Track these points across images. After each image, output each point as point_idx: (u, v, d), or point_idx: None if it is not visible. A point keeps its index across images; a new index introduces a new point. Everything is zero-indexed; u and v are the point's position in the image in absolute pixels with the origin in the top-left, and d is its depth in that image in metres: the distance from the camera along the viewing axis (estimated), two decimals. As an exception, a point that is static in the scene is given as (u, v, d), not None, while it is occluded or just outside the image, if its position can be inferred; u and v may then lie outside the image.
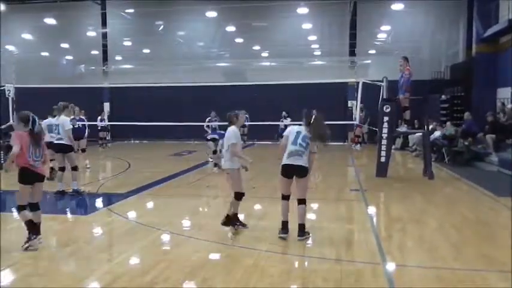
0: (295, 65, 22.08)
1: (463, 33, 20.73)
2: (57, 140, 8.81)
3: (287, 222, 5.78)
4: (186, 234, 6.18)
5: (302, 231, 5.70)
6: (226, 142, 6.08)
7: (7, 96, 12.90)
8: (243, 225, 6.28)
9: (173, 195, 9.21)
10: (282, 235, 5.71)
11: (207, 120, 12.67)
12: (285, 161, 5.69)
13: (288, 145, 5.70)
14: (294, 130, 5.78)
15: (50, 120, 9.41)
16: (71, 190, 8.96)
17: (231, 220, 6.09)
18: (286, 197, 5.84)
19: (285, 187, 5.81)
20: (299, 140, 5.64)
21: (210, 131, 12.50)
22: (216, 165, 12.04)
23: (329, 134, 5.71)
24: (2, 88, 13.06)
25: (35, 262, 5.02)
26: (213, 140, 12.32)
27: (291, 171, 5.68)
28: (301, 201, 5.72)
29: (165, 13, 23.10)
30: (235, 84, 18.73)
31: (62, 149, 8.81)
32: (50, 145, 8.39)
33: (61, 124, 8.72)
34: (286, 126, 14.38)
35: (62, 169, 8.87)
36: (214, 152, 12.26)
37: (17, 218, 7.27)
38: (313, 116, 5.75)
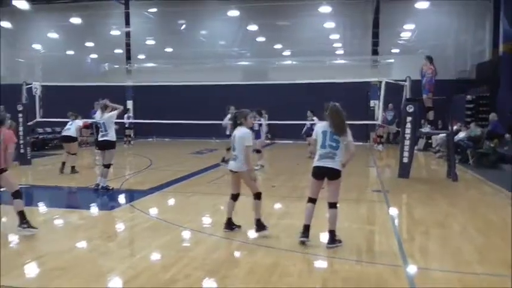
0: (317, 63, 21.96)
1: (489, 32, 20.30)
2: (101, 137, 9.09)
3: (309, 226, 5.56)
4: (207, 232, 6.22)
5: (332, 238, 5.47)
6: (239, 143, 5.88)
7: (34, 94, 13.18)
8: (238, 226, 6.19)
9: (194, 193, 9.27)
10: (302, 239, 5.50)
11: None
12: (316, 163, 5.52)
13: (318, 148, 5.54)
14: (319, 131, 5.56)
15: (96, 117, 9.68)
16: (94, 185, 9.14)
17: (261, 223, 5.96)
18: (312, 200, 5.58)
19: (314, 190, 5.59)
20: (327, 142, 5.43)
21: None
22: (224, 160, 12.44)
23: (345, 124, 5.44)
24: (29, 86, 13.34)
25: (60, 256, 5.13)
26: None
27: (321, 173, 5.48)
28: (332, 205, 5.49)
29: (188, 12, 23.26)
30: (257, 83, 18.73)
31: (105, 146, 9.08)
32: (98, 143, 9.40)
33: (106, 121, 9.01)
34: (311, 125, 14.39)
35: (107, 166, 9.13)
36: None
37: (43, 212, 7.48)
38: (329, 107, 5.53)
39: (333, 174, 5.44)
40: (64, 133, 11.84)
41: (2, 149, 5.89)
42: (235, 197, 6.13)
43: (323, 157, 5.45)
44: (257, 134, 12.43)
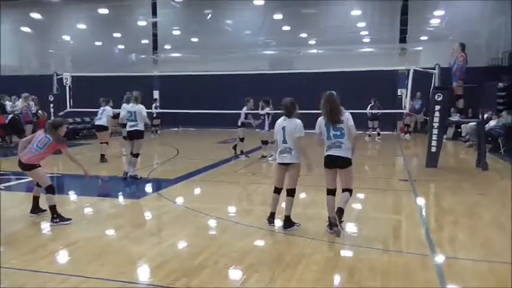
0: (344, 52, 21.70)
1: (523, 17, 19.58)
2: (130, 127, 9.34)
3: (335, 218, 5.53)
4: (233, 220, 6.29)
5: (339, 217, 5.38)
6: (291, 134, 5.70)
7: (64, 84, 13.47)
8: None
9: (220, 182, 9.36)
10: (330, 231, 5.50)
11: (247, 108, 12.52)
12: (325, 153, 5.57)
13: (324, 139, 5.55)
14: (322, 123, 5.55)
15: (126, 107, 9.87)
16: (123, 174, 9.33)
17: (290, 220, 5.82)
18: (331, 192, 5.60)
19: (330, 180, 5.60)
20: (331, 132, 5.47)
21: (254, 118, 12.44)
22: (242, 152, 12.54)
23: (338, 113, 5.38)
24: (60, 77, 13.64)
25: (91, 242, 5.29)
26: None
27: (332, 161, 5.51)
28: (346, 190, 5.53)
29: (213, 2, 23.30)
30: (282, 73, 18.68)
31: (135, 136, 9.30)
32: (128, 133, 9.58)
33: (138, 111, 9.24)
34: None
35: (136, 155, 9.34)
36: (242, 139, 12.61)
37: (74, 200, 7.70)
38: (323, 96, 5.50)
39: (343, 163, 5.47)
40: (96, 122, 12.12)
41: (43, 151, 6.11)
42: (280, 191, 5.96)
43: (330, 147, 5.50)
44: (262, 125, 12.11)
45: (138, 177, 9.32)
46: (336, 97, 5.48)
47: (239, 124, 12.53)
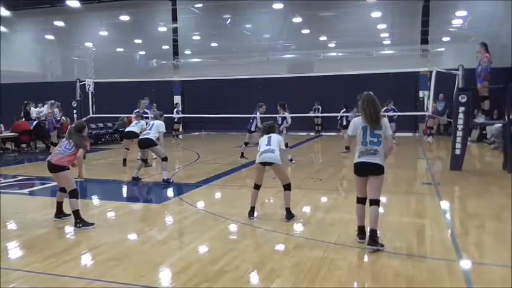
0: (364, 55, 21.53)
1: (549, 15, 19.09)
2: (143, 135, 9.70)
3: (363, 227, 5.25)
4: (254, 225, 6.25)
5: (374, 239, 5.03)
6: (275, 142, 6.44)
7: (87, 90, 13.68)
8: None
9: (240, 186, 9.33)
10: (359, 240, 5.27)
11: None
12: (357, 159, 5.16)
13: (358, 144, 5.16)
14: (359, 126, 5.14)
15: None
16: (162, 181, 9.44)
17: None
18: (361, 200, 5.26)
19: (360, 188, 5.25)
20: (368, 138, 5.07)
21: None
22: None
23: (380, 115, 5.08)
24: (82, 83, 13.87)
25: (113, 247, 5.32)
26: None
27: (364, 169, 5.13)
28: (374, 202, 5.10)
29: (232, 6, 23.41)
30: (302, 76, 18.64)
31: (149, 144, 9.47)
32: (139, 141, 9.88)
33: (156, 125, 9.60)
34: (340, 118, 14.22)
35: (144, 160, 9.92)
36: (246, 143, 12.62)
37: (97, 205, 7.79)
38: (362, 97, 5.14)
39: (376, 169, 5.08)
40: (128, 129, 12.18)
41: (73, 152, 6.21)
42: (260, 187, 6.58)
43: (364, 154, 5.10)
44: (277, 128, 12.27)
45: (171, 180, 9.44)
46: (376, 98, 5.14)
47: (252, 129, 12.44)
